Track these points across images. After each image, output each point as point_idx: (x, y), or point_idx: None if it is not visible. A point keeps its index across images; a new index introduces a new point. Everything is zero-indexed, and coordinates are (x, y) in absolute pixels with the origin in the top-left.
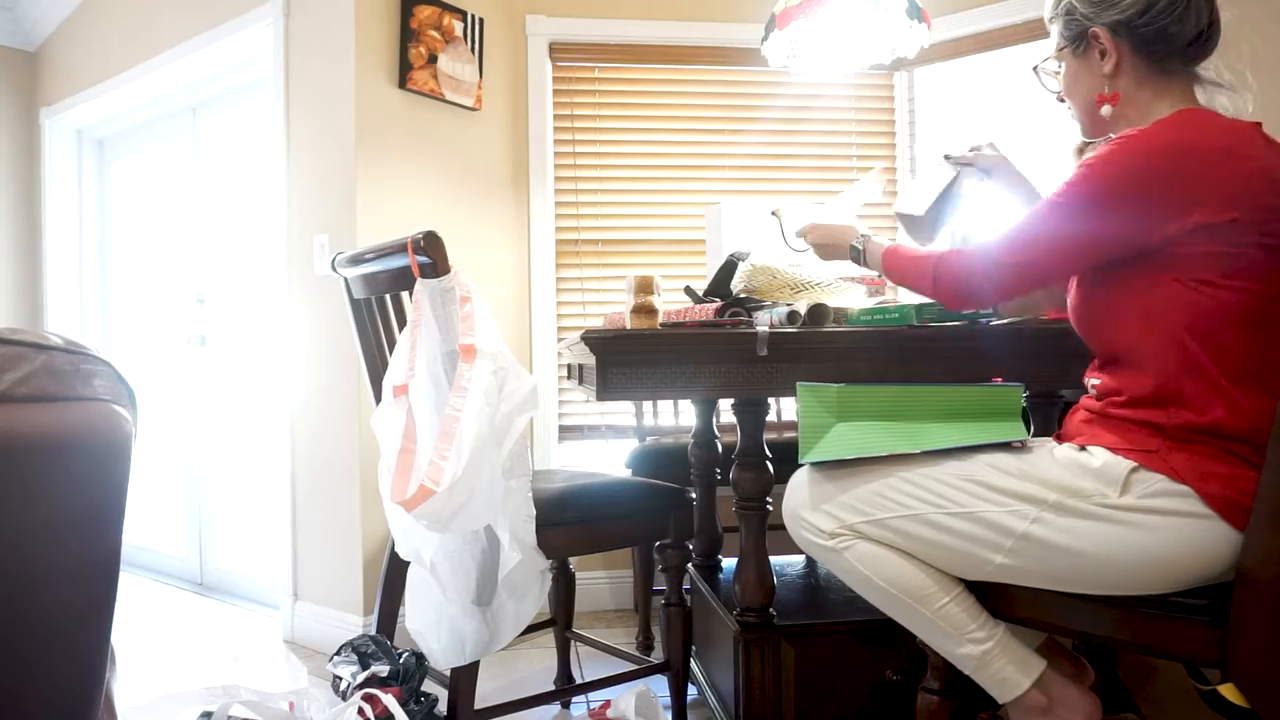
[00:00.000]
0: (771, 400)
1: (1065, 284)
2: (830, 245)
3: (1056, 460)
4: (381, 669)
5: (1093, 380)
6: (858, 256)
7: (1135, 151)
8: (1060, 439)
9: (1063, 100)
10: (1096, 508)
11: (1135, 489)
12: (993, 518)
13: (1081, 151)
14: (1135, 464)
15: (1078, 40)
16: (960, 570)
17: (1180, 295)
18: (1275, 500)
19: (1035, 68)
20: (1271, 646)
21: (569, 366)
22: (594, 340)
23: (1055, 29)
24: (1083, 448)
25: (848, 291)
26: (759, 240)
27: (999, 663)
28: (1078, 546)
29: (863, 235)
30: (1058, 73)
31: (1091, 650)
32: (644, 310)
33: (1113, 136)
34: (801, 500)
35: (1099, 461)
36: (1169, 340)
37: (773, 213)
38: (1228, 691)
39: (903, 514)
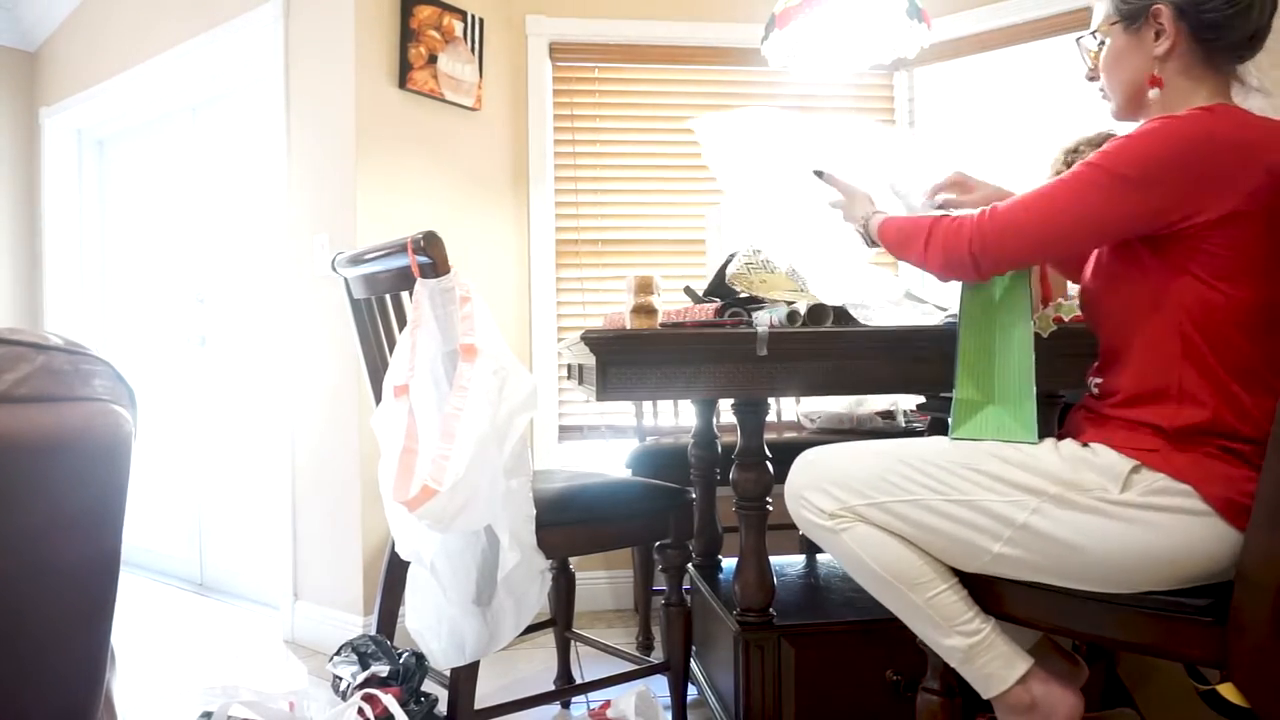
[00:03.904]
0: (771, 400)
1: (1057, 261)
2: (848, 208)
3: (1059, 454)
4: (381, 669)
5: (1095, 380)
6: (864, 234)
7: (1168, 135)
8: (1062, 437)
9: (1093, 79)
10: (1097, 502)
11: (1136, 486)
12: (993, 507)
13: (1067, 160)
14: (1137, 462)
15: (1135, 15)
16: (958, 558)
17: (1193, 289)
18: (1275, 501)
19: (1079, 39)
20: (1271, 646)
21: (569, 366)
22: (594, 340)
23: (1109, 2)
24: (1086, 444)
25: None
26: (759, 238)
27: (985, 657)
28: (1076, 540)
29: (875, 212)
30: (1094, 51)
31: (1091, 648)
32: (644, 310)
33: (1142, 121)
34: (805, 480)
35: (1101, 458)
36: (1175, 334)
37: (816, 172)
38: (1227, 691)
39: (904, 498)
